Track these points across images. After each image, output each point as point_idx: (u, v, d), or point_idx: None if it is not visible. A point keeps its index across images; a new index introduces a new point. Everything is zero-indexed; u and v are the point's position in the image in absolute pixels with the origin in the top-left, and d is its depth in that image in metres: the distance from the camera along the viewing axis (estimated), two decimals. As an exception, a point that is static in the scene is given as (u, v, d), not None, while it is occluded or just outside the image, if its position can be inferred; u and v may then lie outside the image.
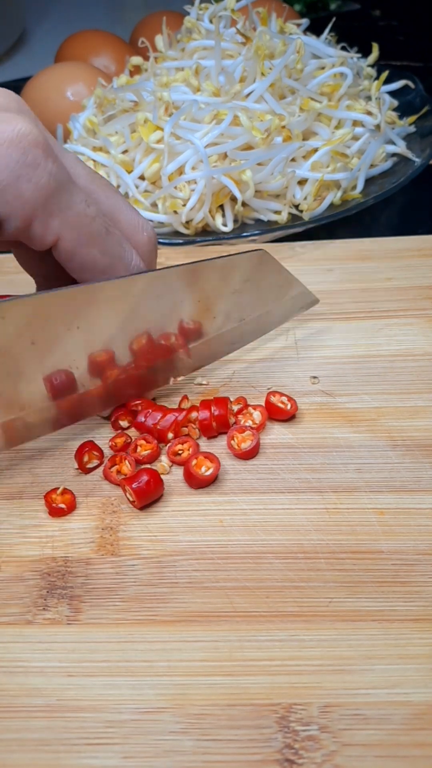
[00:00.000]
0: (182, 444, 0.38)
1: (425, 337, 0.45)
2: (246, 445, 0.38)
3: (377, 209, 0.58)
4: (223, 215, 0.56)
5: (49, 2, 1.10)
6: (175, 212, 0.55)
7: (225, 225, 0.55)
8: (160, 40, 0.64)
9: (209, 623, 0.31)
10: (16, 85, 0.69)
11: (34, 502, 0.37)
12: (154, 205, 0.56)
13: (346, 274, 0.50)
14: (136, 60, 0.66)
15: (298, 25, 0.65)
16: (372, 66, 0.66)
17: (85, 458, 0.38)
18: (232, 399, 0.40)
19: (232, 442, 0.38)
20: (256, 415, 0.39)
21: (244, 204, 0.55)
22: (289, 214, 0.56)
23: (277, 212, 0.56)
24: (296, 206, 0.56)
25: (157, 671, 0.30)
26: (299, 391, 0.41)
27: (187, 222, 0.55)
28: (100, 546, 0.34)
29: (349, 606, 0.31)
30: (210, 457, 0.37)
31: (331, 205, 0.56)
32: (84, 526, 0.35)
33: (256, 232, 0.54)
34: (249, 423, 0.39)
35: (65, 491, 0.36)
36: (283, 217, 0.55)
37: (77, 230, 0.34)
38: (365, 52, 0.66)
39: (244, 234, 0.54)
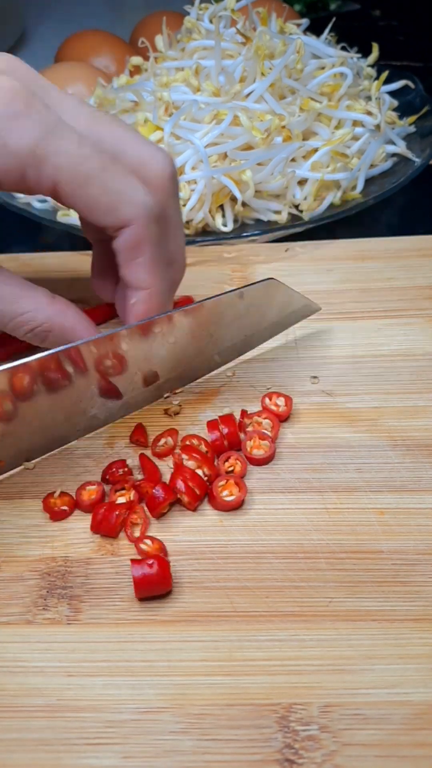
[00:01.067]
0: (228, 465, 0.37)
1: (425, 337, 0.45)
2: (260, 453, 0.37)
3: (377, 209, 0.58)
4: (223, 215, 0.56)
5: (49, 2, 1.10)
6: (175, 212, 0.54)
7: (225, 225, 0.55)
8: (160, 40, 0.64)
9: (209, 623, 0.31)
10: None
11: (34, 502, 0.36)
12: (154, 205, 0.56)
13: (346, 274, 0.50)
14: (136, 60, 0.66)
15: (298, 25, 0.65)
16: (372, 66, 0.66)
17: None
18: (230, 402, 0.40)
19: (248, 449, 0.38)
20: (266, 423, 0.39)
21: (244, 204, 0.55)
22: (289, 214, 0.56)
23: (277, 212, 0.56)
24: (296, 206, 0.56)
25: (157, 671, 0.30)
26: (299, 391, 0.41)
27: (188, 222, 0.55)
28: (100, 546, 0.34)
29: (349, 606, 0.31)
30: (239, 483, 0.36)
31: (331, 205, 0.56)
32: (84, 526, 0.35)
33: (256, 232, 0.54)
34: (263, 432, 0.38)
35: (62, 494, 0.36)
36: (283, 217, 0.55)
37: (71, 173, 0.34)
38: (365, 52, 0.66)
39: (244, 234, 0.54)
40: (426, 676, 0.29)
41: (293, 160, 0.55)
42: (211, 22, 0.61)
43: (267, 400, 0.40)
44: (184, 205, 0.54)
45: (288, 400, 0.40)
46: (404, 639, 0.30)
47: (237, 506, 0.35)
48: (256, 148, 0.53)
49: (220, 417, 0.39)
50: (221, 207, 0.56)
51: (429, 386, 0.41)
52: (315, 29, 0.66)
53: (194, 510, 0.36)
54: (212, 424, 0.38)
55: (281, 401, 0.40)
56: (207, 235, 0.55)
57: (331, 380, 0.42)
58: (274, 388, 0.42)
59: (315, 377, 0.42)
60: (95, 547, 0.34)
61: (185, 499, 0.35)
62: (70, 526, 0.35)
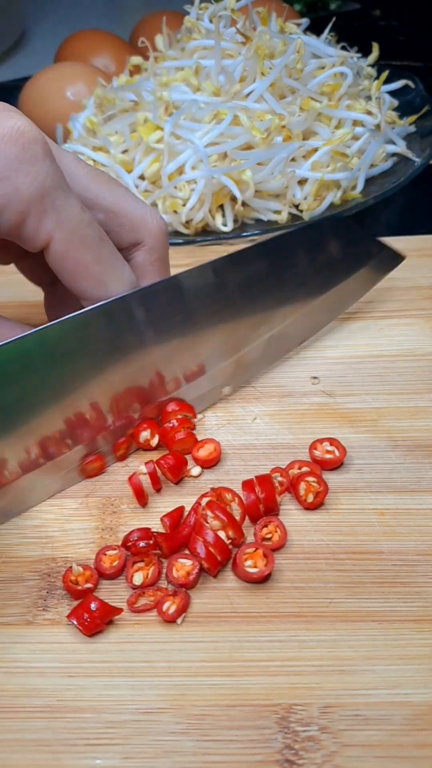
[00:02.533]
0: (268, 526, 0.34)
1: (425, 337, 0.45)
2: (312, 498, 0.35)
3: (377, 209, 0.58)
4: (223, 215, 0.56)
5: (49, 2, 1.10)
6: (175, 212, 0.55)
7: (225, 225, 0.55)
8: (160, 40, 0.64)
9: (209, 623, 0.31)
10: (16, 85, 0.69)
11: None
12: (154, 205, 0.56)
13: (346, 274, 0.50)
14: (136, 60, 0.66)
15: (298, 24, 0.65)
16: (372, 66, 0.66)
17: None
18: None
19: (301, 496, 0.35)
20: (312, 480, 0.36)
21: (244, 204, 0.55)
22: (289, 213, 0.56)
23: (277, 212, 0.56)
24: (296, 206, 0.56)
25: (157, 671, 0.29)
26: (299, 391, 0.41)
27: (187, 222, 0.55)
28: (100, 546, 0.34)
29: (349, 606, 0.31)
30: (268, 555, 0.32)
31: (331, 205, 0.56)
32: (84, 527, 0.35)
33: (256, 232, 0.54)
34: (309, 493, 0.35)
35: (83, 568, 0.33)
36: (283, 217, 0.55)
37: (70, 232, 0.34)
38: (365, 52, 0.66)
39: (244, 234, 0.54)
40: (426, 677, 0.29)
41: (293, 159, 0.55)
42: (211, 21, 0.61)
43: (315, 451, 0.37)
44: (184, 205, 0.54)
45: (340, 447, 0.37)
46: (404, 640, 0.30)
47: (259, 581, 0.32)
48: (256, 147, 0.53)
49: (256, 477, 0.35)
50: (221, 207, 0.56)
51: (429, 387, 0.41)
52: (315, 29, 0.66)
53: (215, 576, 0.33)
54: (248, 485, 0.35)
55: (330, 446, 0.37)
56: (207, 234, 0.55)
57: (332, 380, 0.42)
58: (273, 388, 0.41)
59: (315, 377, 0.42)
60: (95, 548, 0.34)
61: (205, 565, 0.32)
62: (70, 527, 0.35)
